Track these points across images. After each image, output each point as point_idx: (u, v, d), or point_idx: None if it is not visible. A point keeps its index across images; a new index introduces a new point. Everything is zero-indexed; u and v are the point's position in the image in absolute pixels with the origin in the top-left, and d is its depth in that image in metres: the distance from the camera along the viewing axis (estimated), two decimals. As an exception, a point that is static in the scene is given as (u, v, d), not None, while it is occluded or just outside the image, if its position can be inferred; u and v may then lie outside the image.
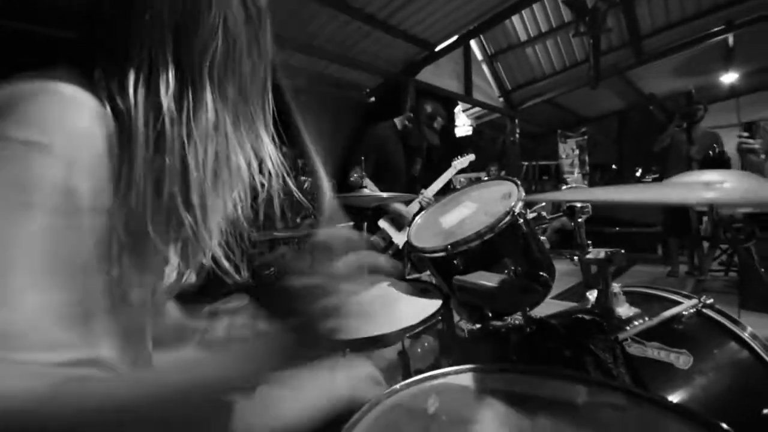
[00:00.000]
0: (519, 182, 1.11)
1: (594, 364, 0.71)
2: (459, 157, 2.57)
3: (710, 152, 3.43)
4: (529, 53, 5.85)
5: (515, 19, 5.33)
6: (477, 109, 6.76)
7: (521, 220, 0.99)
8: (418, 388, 0.61)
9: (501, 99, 6.53)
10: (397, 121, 2.36)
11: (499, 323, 0.92)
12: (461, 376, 0.63)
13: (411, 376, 0.80)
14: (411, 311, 0.91)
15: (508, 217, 0.96)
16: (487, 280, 0.77)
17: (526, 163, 10.90)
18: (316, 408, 0.62)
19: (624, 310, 0.94)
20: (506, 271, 0.87)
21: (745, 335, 0.87)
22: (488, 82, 6.26)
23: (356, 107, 5.06)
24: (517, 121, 6.86)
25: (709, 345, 0.85)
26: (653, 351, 0.81)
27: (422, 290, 1.04)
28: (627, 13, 4.77)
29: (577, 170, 8.66)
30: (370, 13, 3.49)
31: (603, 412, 0.50)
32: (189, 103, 0.46)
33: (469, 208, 1.14)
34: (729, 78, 5.79)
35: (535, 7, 5.12)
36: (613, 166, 9.17)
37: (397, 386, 0.60)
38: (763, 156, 3.34)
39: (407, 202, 2.18)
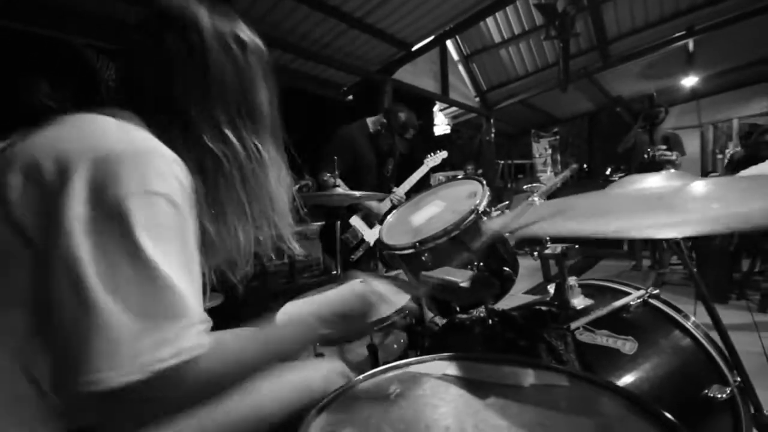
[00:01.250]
0: (484, 181, 1.16)
1: (546, 351, 0.76)
2: (432, 154, 2.57)
3: (644, 156, 3.72)
4: (503, 55, 5.99)
5: (490, 20, 5.45)
6: (454, 108, 6.87)
7: (485, 218, 1.04)
8: (381, 378, 0.65)
9: (477, 99, 6.66)
10: (369, 122, 2.37)
11: (465, 316, 0.96)
12: (422, 365, 0.67)
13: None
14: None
15: (472, 215, 1.00)
16: (452, 275, 0.81)
17: (501, 162, 11.14)
18: (291, 399, 0.65)
19: (579, 301, 1.01)
20: (470, 267, 0.92)
21: (688, 324, 0.94)
22: (464, 82, 6.37)
23: (334, 105, 5.07)
24: (492, 120, 7.01)
25: (653, 332, 0.92)
26: (602, 338, 0.87)
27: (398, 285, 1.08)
28: (595, 18, 4.96)
29: (549, 169, 8.95)
30: (346, 12, 3.49)
31: (545, 392, 0.54)
32: (255, 152, 0.63)
33: (437, 206, 1.18)
34: (690, 81, 6.10)
35: (509, 9, 5.24)
36: (584, 166, 9.52)
37: (361, 377, 0.64)
38: (678, 163, 3.65)
39: (379, 200, 2.21)
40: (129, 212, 0.44)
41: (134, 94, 0.59)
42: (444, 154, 2.56)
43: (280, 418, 0.64)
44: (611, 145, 5.12)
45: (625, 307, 0.97)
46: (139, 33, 0.60)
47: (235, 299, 0.86)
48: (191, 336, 0.45)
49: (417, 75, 5.18)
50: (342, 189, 1.70)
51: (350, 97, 5.03)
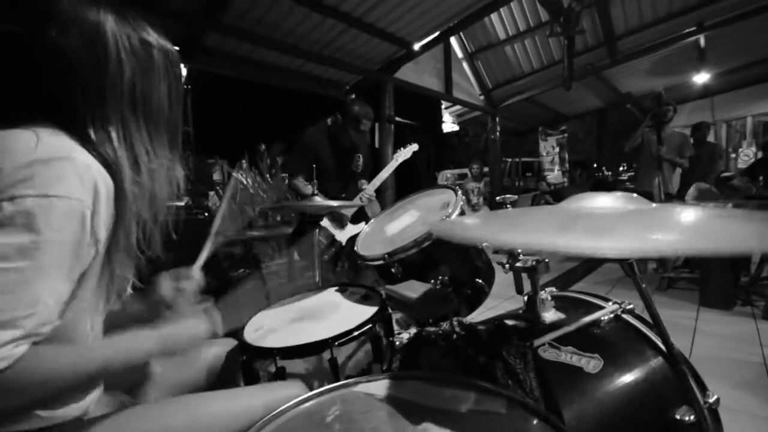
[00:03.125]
0: (458, 191, 1.14)
1: (503, 370, 0.75)
2: (402, 148, 2.47)
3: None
4: (508, 52, 5.91)
5: (494, 17, 5.38)
6: (459, 106, 6.81)
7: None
8: (327, 397, 0.64)
9: (482, 97, 6.59)
10: (328, 121, 2.37)
11: (432, 329, 0.95)
12: (370, 384, 0.67)
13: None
14: (345, 318, 0.94)
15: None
16: (411, 290, 0.80)
17: (509, 160, 11.01)
18: (241, 421, 0.65)
19: (550, 315, 0.99)
20: (433, 281, 0.91)
21: (658, 341, 0.92)
22: (469, 80, 6.30)
23: (336, 104, 5.07)
24: (497, 119, 6.94)
25: (622, 350, 0.89)
26: (566, 355, 0.86)
27: (364, 296, 1.07)
28: (602, 14, 4.85)
29: (557, 167, 8.82)
30: (344, 11, 3.48)
31: (482, 419, 0.53)
32: (151, 153, 0.63)
33: (412, 216, 1.17)
34: (701, 78, 5.94)
35: (514, 6, 5.17)
36: (595, 165, 9.36)
37: (305, 395, 0.63)
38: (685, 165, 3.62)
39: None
40: (27, 211, 0.47)
41: (45, 102, 0.58)
42: (414, 146, 2.46)
43: None
44: (621, 143, 5.03)
45: (596, 323, 0.94)
46: (36, 39, 0.58)
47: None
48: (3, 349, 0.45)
49: (420, 73, 5.15)
50: (320, 198, 1.70)
51: (353, 95, 5.02)
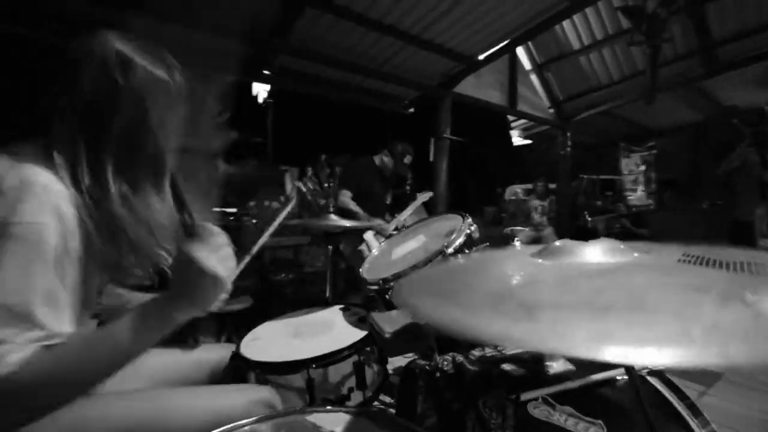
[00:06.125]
0: (468, 219, 1.08)
1: (475, 422, 0.68)
2: (421, 193, 2.99)
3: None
4: (583, 62, 5.49)
5: (567, 25, 5.05)
6: (524, 120, 6.48)
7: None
8: (275, 422, 0.64)
9: (551, 110, 6.20)
10: (375, 158, 3.02)
11: (421, 363, 0.91)
12: (324, 416, 0.65)
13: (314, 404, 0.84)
14: (334, 339, 0.94)
15: (439, 257, 0.95)
16: (389, 323, 0.78)
17: (585, 177, 10.15)
18: (205, 421, 0.68)
19: (558, 364, 0.89)
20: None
21: (693, 422, 0.76)
22: (536, 92, 5.98)
23: (395, 118, 5.14)
24: (569, 133, 6.46)
25: (636, 422, 0.76)
26: (560, 416, 0.75)
27: (360, 319, 1.06)
28: (695, 19, 4.30)
29: (641, 188, 7.90)
30: (403, 30, 3.53)
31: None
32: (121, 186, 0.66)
33: (418, 241, 1.14)
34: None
35: (590, 13, 4.81)
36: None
37: (247, 420, 0.64)
38: None
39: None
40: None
41: (36, 126, 0.64)
42: (430, 193, 3.02)
43: None
44: (720, 163, 4.38)
45: (610, 382, 0.82)
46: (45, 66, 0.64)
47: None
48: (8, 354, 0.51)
49: (481, 87, 5.01)
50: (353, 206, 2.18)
51: (411, 110, 5.05)
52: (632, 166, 8.05)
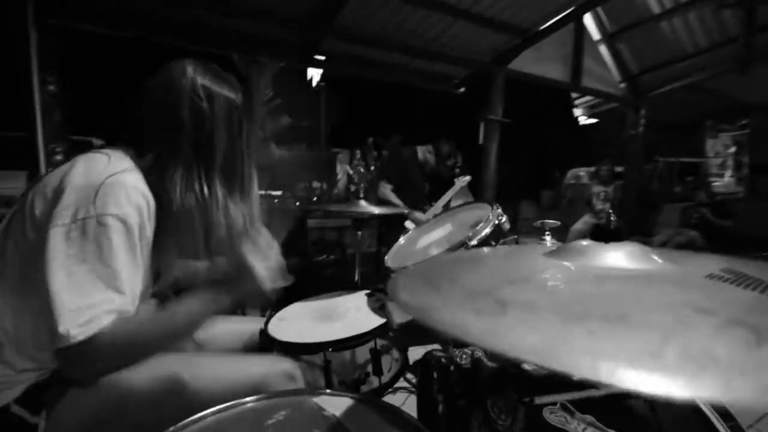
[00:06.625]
0: (498, 210, 1.02)
1: (481, 421, 0.65)
2: (461, 177, 2.89)
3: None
4: (664, 28, 4.84)
5: (645, -12, 4.47)
6: (589, 97, 5.93)
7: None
8: (283, 400, 0.67)
9: (623, 85, 5.59)
10: (419, 149, 3.09)
11: (438, 354, 0.89)
12: (331, 399, 0.67)
13: (332, 386, 0.86)
14: (352, 324, 0.95)
15: (461, 248, 0.91)
16: (399, 314, 0.76)
17: (661, 159, 9.13)
18: (230, 385, 0.75)
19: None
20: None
21: None
22: (605, 65, 5.41)
23: (446, 98, 4.97)
24: (642, 111, 5.80)
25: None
26: (578, 425, 0.70)
27: (381, 306, 1.05)
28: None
29: (729, 173, 6.91)
30: (451, 5, 3.36)
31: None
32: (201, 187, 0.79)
33: (445, 230, 1.10)
34: None
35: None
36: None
37: (253, 397, 0.67)
38: None
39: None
40: (93, 228, 0.66)
41: (134, 134, 0.80)
42: (468, 178, 2.82)
43: (215, 400, 0.73)
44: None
45: (640, 395, 0.74)
46: (145, 89, 0.80)
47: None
48: (97, 318, 0.64)
49: (540, 61, 4.64)
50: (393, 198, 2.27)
51: (462, 89, 4.85)
52: (720, 148, 7.05)
